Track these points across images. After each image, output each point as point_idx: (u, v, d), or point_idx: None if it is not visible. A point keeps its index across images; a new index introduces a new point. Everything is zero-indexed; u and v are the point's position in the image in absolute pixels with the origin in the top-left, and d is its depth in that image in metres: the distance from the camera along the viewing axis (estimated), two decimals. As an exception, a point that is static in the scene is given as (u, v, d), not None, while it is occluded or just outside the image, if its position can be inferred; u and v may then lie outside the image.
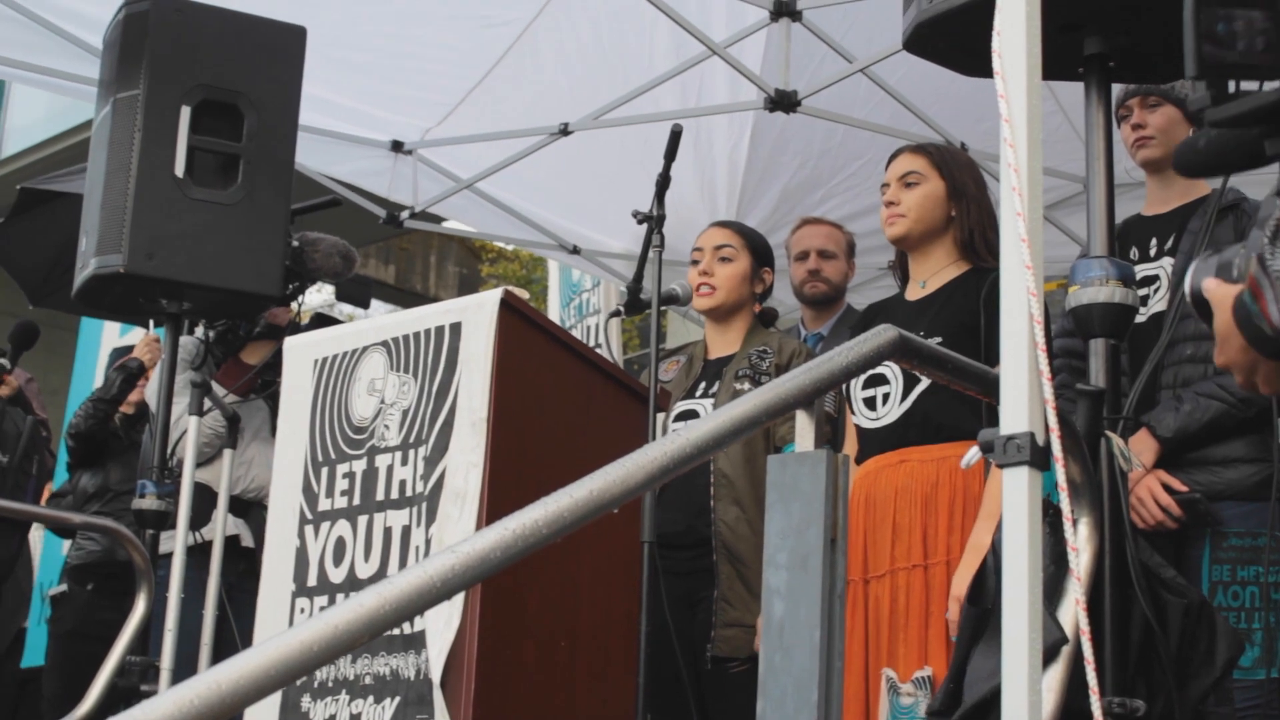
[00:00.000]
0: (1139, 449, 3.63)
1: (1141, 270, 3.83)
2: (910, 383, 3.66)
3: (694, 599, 4.22)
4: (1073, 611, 2.18)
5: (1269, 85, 1.72)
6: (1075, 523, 2.32)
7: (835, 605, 1.90)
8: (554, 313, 9.02)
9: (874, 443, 3.71)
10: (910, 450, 3.65)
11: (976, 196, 3.88)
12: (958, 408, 3.61)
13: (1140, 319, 3.72)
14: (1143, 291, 3.79)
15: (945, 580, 3.51)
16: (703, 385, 4.41)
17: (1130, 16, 2.62)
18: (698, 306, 4.47)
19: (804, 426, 2.00)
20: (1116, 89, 3.85)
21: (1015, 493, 1.69)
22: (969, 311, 3.69)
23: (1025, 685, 1.60)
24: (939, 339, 3.64)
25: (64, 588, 6.02)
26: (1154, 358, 2.77)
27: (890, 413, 3.69)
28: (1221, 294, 1.64)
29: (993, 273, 3.77)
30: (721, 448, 1.86)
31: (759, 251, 4.53)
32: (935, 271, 3.84)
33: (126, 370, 5.70)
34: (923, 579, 3.55)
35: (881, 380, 3.71)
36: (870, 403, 3.72)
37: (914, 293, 3.86)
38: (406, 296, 19.27)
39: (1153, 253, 3.86)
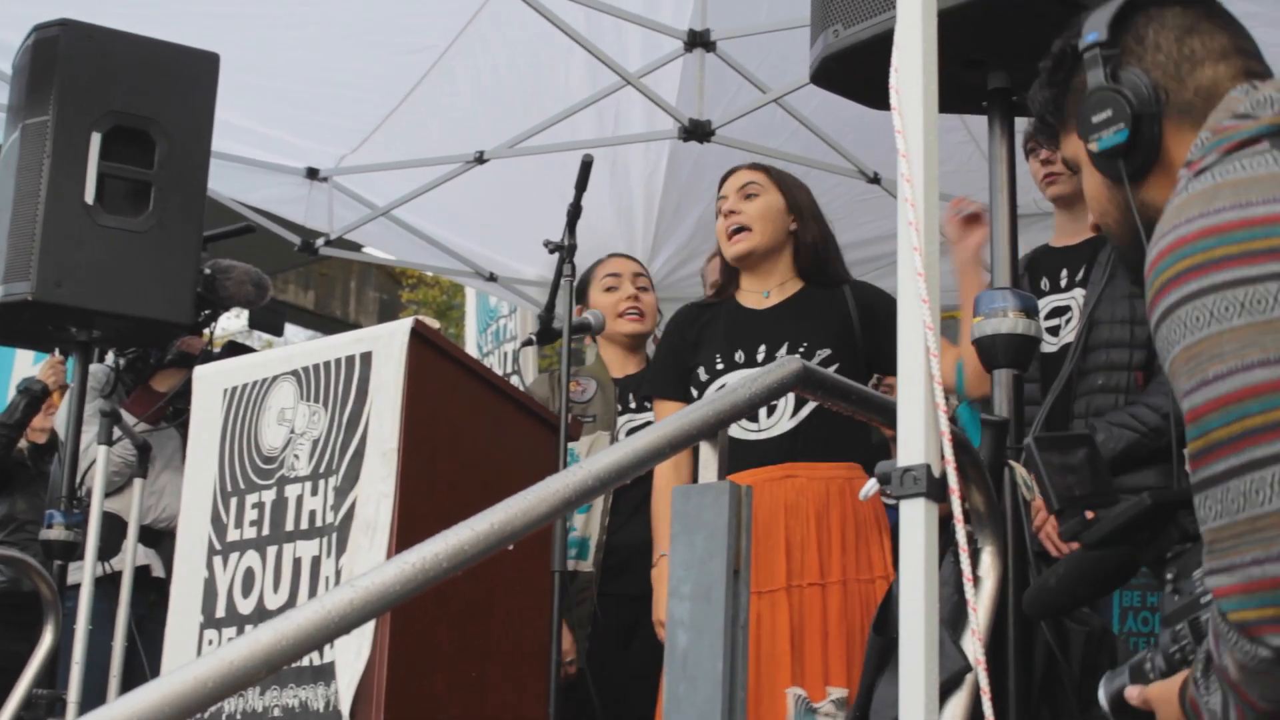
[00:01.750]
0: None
1: (1053, 301, 3.88)
2: (801, 399, 3.69)
3: (635, 625, 4.20)
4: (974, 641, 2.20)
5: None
6: (979, 552, 2.35)
7: (739, 636, 1.91)
8: (471, 338, 9.00)
9: (753, 455, 3.70)
10: (797, 466, 3.67)
11: (813, 212, 3.96)
12: (849, 427, 3.64)
13: (1051, 348, 3.77)
14: (1054, 322, 3.84)
15: (841, 601, 3.54)
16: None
17: (1033, 52, 2.66)
18: (627, 330, 4.51)
19: (707, 458, 2.01)
20: (1024, 123, 3.91)
21: (912, 525, 1.71)
22: (845, 327, 3.81)
23: (922, 715, 1.62)
24: (827, 351, 3.76)
25: (-36, 619, 5.91)
26: (1055, 389, 2.81)
27: (778, 425, 3.71)
28: (1158, 692, 1.79)
29: (845, 287, 3.87)
30: (625, 479, 1.86)
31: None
32: (779, 284, 3.91)
33: (30, 393, 5.61)
34: (820, 598, 3.56)
35: None
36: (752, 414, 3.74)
37: (755, 301, 3.91)
38: (326, 322, 19.14)
39: (1063, 283, 3.91)
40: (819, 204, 4.06)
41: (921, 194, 1.75)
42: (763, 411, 3.72)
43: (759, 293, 3.92)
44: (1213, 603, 1.53)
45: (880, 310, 3.86)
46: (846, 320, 3.84)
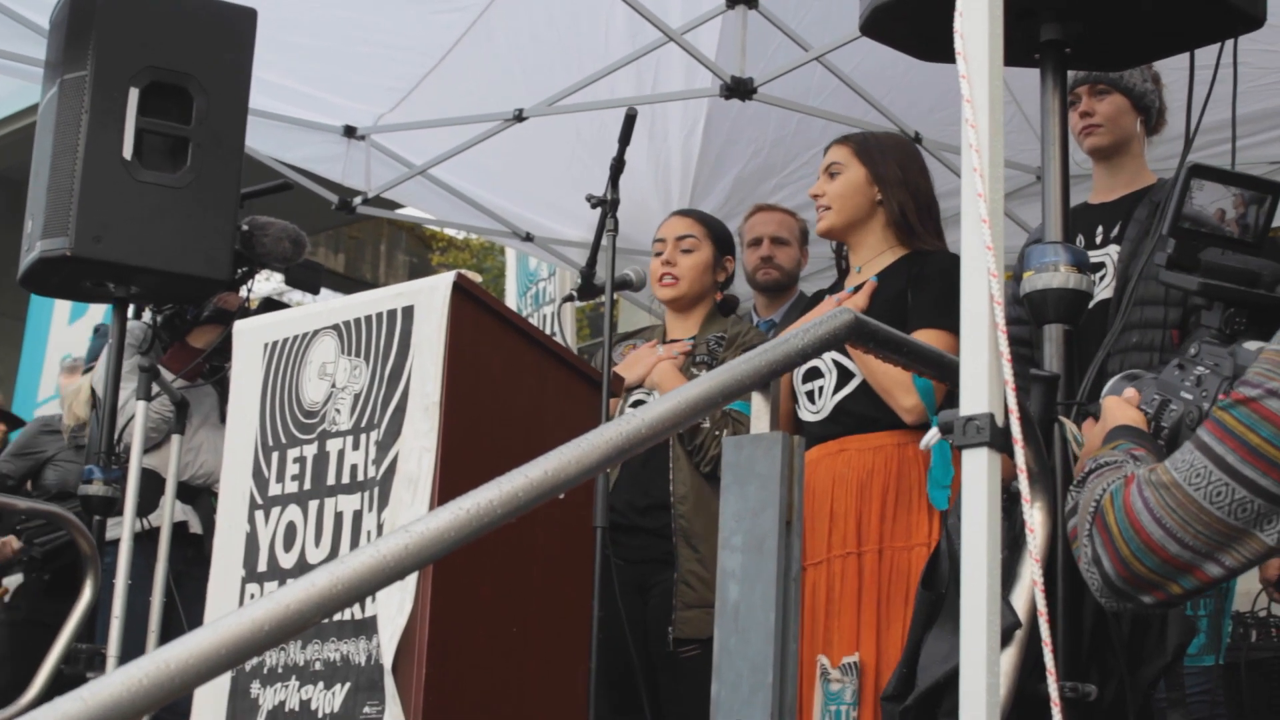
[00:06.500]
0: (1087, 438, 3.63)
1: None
2: (843, 378, 3.73)
3: (646, 585, 4.21)
4: (1027, 595, 2.18)
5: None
6: (1031, 506, 2.32)
7: (791, 588, 1.89)
8: (511, 301, 9.02)
9: (813, 434, 3.77)
10: (848, 439, 3.73)
11: (901, 179, 3.89)
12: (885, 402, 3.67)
13: (1085, 305, 3.73)
14: (1086, 279, 3.80)
15: (875, 568, 3.56)
16: None
17: (1087, 4, 2.62)
18: (661, 297, 4.47)
19: (759, 408, 1.99)
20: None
21: (974, 474, 1.69)
22: (898, 294, 3.73)
23: (983, 666, 1.60)
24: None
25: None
26: (1107, 345, 2.77)
27: (825, 407, 3.75)
28: (1110, 404, 2.03)
29: (929, 255, 3.80)
30: (678, 428, 1.85)
31: (721, 240, 4.54)
32: (871, 258, 3.89)
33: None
34: (856, 566, 3.59)
35: (817, 374, 3.78)
36: (811, 396, 3.80)
37: (853, 280, 3.90)
38: (356, 285, 19.16)
39: (1099, 240, 3.87)
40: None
41: (987, 140, 1.72)
42: (816, 393, 3.79)
43: (855, 269, 3.93)
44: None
45: (929, 269, 3.77)
46: (902, 286, 3.77)
